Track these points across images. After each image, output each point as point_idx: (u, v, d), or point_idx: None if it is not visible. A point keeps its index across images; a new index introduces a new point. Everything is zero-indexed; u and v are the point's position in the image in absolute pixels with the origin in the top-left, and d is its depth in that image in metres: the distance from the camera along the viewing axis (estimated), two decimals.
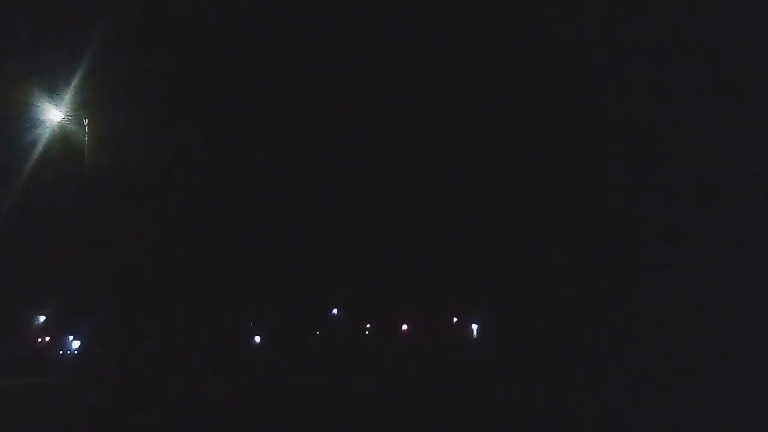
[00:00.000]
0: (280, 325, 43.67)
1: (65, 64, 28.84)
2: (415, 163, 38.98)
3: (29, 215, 32.94)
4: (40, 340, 40.50)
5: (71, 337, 38.34)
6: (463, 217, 38.51)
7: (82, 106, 28.90)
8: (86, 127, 29.11)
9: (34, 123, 28.52)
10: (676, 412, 16.76)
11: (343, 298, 45.76)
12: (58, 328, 38.71)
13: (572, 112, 33.43)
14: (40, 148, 28.88)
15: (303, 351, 38.44)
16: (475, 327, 45.54)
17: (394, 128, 38.81)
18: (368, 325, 48.41)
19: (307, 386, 25.83)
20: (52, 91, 28.26)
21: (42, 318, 39.28)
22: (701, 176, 28.72)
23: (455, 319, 46.95)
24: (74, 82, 28.15)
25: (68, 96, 28.24)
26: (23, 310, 37.64)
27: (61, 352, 39.17)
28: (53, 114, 28.38)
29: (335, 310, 48.38)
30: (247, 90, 38.04)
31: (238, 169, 38.99)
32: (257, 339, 47.74)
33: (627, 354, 25.32)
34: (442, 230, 39.28)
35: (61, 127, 28.84)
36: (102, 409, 20.55)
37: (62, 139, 29.29)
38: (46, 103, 28.13)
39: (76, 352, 37.07)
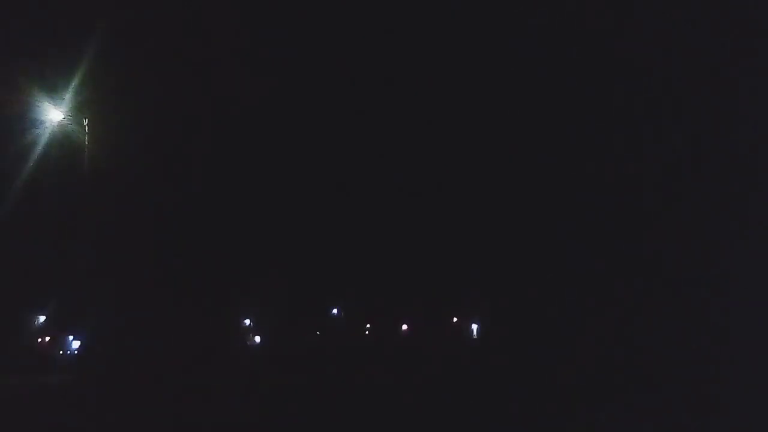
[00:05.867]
0: (279, 325, 43.68)
1: (65, 64, 28.84)
2: (415, 163, 39.03)
3: (29, 215, 32.95)
4: (40, 340, 40.51)
5: (71, 337, 38.33)
6: (464, 217, 38.53)
7: (82, 106, 28.88)
8: (86, 127, 29.08)
9: (34, 123, 28.51)
10: (678, 414, 16.76)
11: (343, 298, 45.82)
12: (58, 328, 38.71)
13: (576, 113, 33.45)
14: (40, 148, 28.86)
15: (302, 351, 38.42)
16: (475, 327, 45.58)
17: (395, 128, 38.85)
18: (368, 325, 48.46)
19: (306, 386, 25.82)
20: (52, 91, 28.24)
21: (42, 318, 39.29)
22: (700, 176, 28.72)
23: (455, 319, 47.02)
24: (74, 82, 28.12)
25: (68, 96, 28.21)
26: (23, 310, 37.65)
27: (61, 352, 39.16)
28: (53, 114, 28.34)
29: (335, 310, 48.43)
30: (247, 89, 38.03)
31: (238, 168, 39.03)
32: (257, 339, 47.79)
33: (628, 354, 25.32)
34: (443, 230, 39.31)
35: (61, 127, 28.81)
36: (102, 409, 20.54)
37: (62, 139, 29.28)
38: (46, 103, 28.10)
39: (76, 352, 37.03)
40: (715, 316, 25.12)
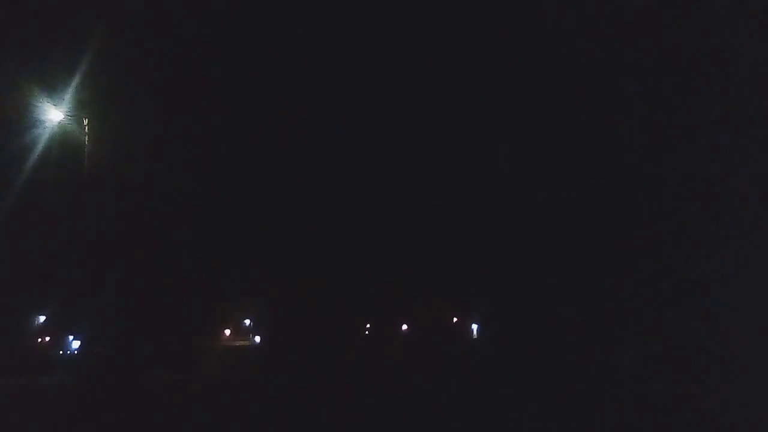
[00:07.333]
0: (279, 325, 43.67)
1: (65, 64, 28.85)
2: (415, 164, 39.04)
3: (29, 215, 32.93)
4: (40, 340, 40.45)
5: (71, 337, 38.31)
6: (464, 217, 38.54)
7: (82, 106, 28.90)
8: (86, 127, 29.10)
9: (34, 123, 28.52)
10: (676, 412, 16.78)
11: (344, 297, 45.76)
12: (58, 328, 38.67)
13: (569, 112, 33.46)
14: (40, 148, 28.88)
15: (301, 351, 38.39)
16: (475, 327, 45.57)
17: (394, 129, 38.86)
18: (368, 325, 48.41)
19: (307, 386, 25.83)
20: (52, 91, 28.25)
21: (42, 318, 39.24)
22: (700, 175, 28.74)
23: (455, 319, 46.99)
24: (74, 82, 28.14)
25: (68, 96, 28.23)
26: (23, 310, 37.61)
27: (61, 352, 39.12)
28: (53, 114, 28.37)
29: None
30: (247, 89, 38.04)
31: (239, 168, 39.01)
32: (257, 339, 47.72)
33: (626, 353, 25.33)
34: (443, 230, 39.32)
35: (61, 127, 28.83)
36: (102, 409, 20.54)
37: (62, 139, 29.30)
38: (46, 103, 28.12)
39: (76, 352, 37.03)
40: (716, 316, 25.13)
